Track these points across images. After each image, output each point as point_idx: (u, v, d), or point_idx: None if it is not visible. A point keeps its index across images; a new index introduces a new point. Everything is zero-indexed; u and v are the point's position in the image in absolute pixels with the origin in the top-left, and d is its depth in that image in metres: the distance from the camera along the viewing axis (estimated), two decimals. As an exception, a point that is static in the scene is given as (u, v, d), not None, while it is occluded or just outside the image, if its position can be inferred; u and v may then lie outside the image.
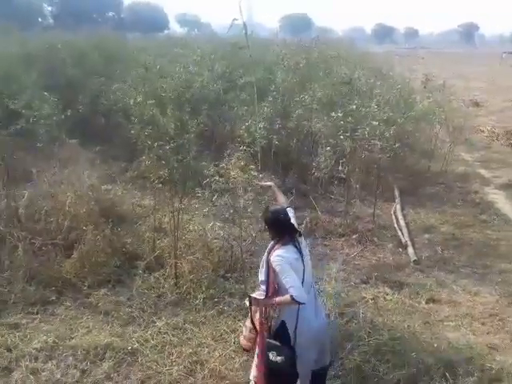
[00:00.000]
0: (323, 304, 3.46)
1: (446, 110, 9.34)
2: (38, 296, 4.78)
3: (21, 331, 4.31)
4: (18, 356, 3.96)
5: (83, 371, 3.84)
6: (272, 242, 3.23)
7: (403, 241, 6.29)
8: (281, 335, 3.14)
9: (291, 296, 2.95)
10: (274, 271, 3.07)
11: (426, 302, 4.94)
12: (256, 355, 3.31)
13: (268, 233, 3.33)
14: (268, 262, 3.13)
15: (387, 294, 5.03)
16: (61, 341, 4.16)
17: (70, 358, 3.95)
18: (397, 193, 7.95)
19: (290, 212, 3.37)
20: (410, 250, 6.05)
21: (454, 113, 9.57)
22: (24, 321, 4.47)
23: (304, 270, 3.13)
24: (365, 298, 4.93)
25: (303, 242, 3.27)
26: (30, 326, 4.40)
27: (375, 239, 6.35)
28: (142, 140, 5.24)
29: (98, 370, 3.85)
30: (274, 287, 3.13)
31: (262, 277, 3.22)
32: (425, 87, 12.25)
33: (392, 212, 7.27)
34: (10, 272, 4.95)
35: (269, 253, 3.16)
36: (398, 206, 7.45)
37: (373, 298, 4.92)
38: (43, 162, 6.77)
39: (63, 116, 7.09)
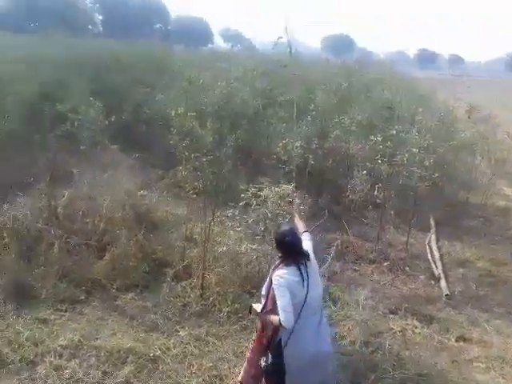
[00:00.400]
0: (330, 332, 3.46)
1: (489, 142, 9.09)
2: (68, 294, 4.90)
3: (48, 327, 4.42)
4: (43, 351, 4.06)
5: (105, 373, 3.89)
6: (278, 261, 3.31)
7: (436, 273, 6.11)
8: (276, 350, 3.22)
9: (279, 319, 3.06)
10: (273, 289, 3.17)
11: (456, 340, 4.76)
12: (246, 359, 3.56)
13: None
14: (270, 278, 3.24)
15: (416, 327, 4.87)
16: (86, 340, 4.24)
17: (93, 359, 4.02)
18: (432, 223, 7.75)
19: (307, 236, 3.52)
20: (443, 283, 5.86)
21: (497, 145, 9.30)
22: (52, 317, 4.59)
23: (306, 294, 3.15)
24: (392, 329, 4.80)
25: (312, 267, 3.28)
26: (58, 323, 4.50)
27: (407, 269, 6.19)
28: (180, 151, 5.35)
29: (118, 373, 3.90)
30: (273, 303, 3.20)
31: (263, 291, 3.33)
32: (469, 117, 11.99)
33: (426, 242, 7.08)
34: (43, 268, 5.09)
35: (273, 270, 3.25)
36: (433, 237, 7.25)
37: (401, 330, 4.78)
38: (84, 164, 6.98)
39: (107, 122, 7.34)
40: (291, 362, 3.17)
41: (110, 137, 7.74)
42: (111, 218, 5.77)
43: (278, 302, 3.08)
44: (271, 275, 3.23)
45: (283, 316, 3.03)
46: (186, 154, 5.28)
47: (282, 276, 3.12)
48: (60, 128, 6.69)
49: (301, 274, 3.15)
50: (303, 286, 3.15)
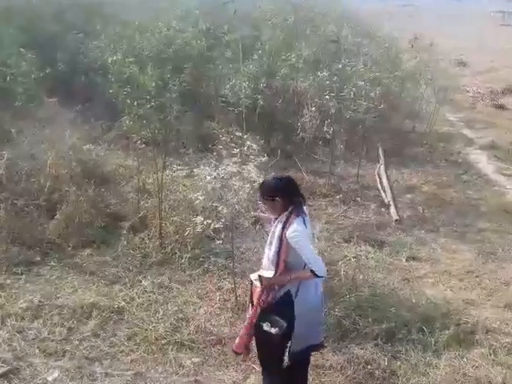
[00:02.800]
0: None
1: (433, 70, 9.28)
2: (22, 257, 4.77)
3: (6, 291, 4.31)
4: (3, 315, 3.98)
5: (70, 329, 3.88)
6: (284, 215, 2.89)
7: (386, 201, 6.39)
8: (283, 304, 2.92)
9: (312, 271, 2.80)
10: (290, 247, 2.84)
11: (406, 260, 5.09)
12: (244, 326, 3.11)
13: (270, 206, 2.96)
14: (281, 237, 2.85)
15: (369, 253, 5.15)
16: (47, 300, 4.18)
17: (57, 317, 3.99)
18: (381, 153, 7.99)
19: None
20: (392, 209, 6.16)
21: (440, 73, 9.52)
22: (9, 281, 4.47)
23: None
24: (347, 256, 5.04)
25: (306, 212, 3.02)
26: (15, 287, 4.40)
27: (358, 199, 6.43)
28: (122, 99, 5.12)
29: (84, 327, 3.91)
30: (284, 264, 2.89)
31: (270, 254, 2.93)
32: (412, 46, 12.08)
33: (376, 172, 7.33)
34: (-8, 233, 4.91)
35: (283, 228, 2.84)
36: (382, 167, 7.51)
37: (355, 257, 5.03)
38: (22, 121, 6.59)
39: (41, 74, 6.88)
40: (301, 313, 2.91)
41: (47, 90, 7.30)
42: (58, 176, 5.56)
43: (307, 256, 2.81)
44: (280, 234, 2.85)
45: (317, 265, 2.80)
46: (129, 102, 5.06)
47: (299, 230, 2.82)
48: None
49: (304, 222, 2.90)
50: (312, 235, 3.03)
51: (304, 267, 2.87)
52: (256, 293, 3.02)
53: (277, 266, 2.89)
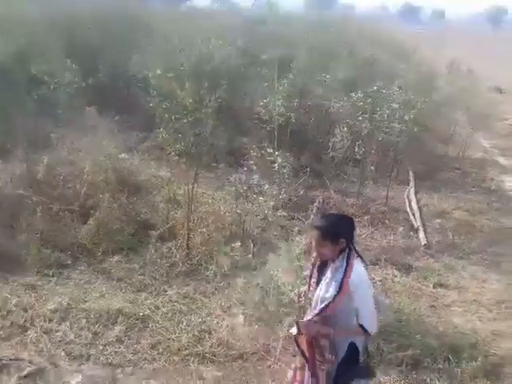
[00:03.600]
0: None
1: (469, 96, 9.17)
2: (54, 259, 4.91)
3: (36, 292, 4.44)
4: (33, 316, 4.09)
5: (95, 333, 3.97)
6: (342, 258, 2.62)
7: (415, 225, 6.29)
8: (350, 358, 2.72)
9: (362, 326, 2.61)
10: (351, 294, 2.57)
11: (434, 287, 4.98)
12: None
13: (330, 248, 2.63)
14: (342, 282, 2.56)
15: (395, 276, 5.07)
16: (75, 303, 4.29)
17: (83, 321, 4.08)
18: (411, 176, 7.90)
19: None
20: (421, 234, 6.06)
21: (477, 99, 9.39)
22: (40, 282, 4.61)
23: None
24: (373, 279, 4.97)
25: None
26: (46, 288, 4.53)
27: (387, 222, 6.36)
28: (160, 113, 5.28)
29: (109, 333, 3.98)
30: (333, 311, 2.61)
31: (326, 294, 2.62)
32: (449, 71, 12.01)
33: (405, 195, 7.25)
34: (27, 235, 5.07)
35: (346, 271, 2.57)
36: (412, 190, 7.42)
37: (381, 280, 4.97)
38: (63, 128, 6.85)
39: (84, 84, 7.14)
40: None
41: (88, 100, 7.56)
42: (93, 183, 5.73)
43: (365, 306, 2.60)
44: (342, 278, 2.56)
45: (371, 320, 2.63)
46: (166, 116, 5.21)
47: (363, 276, 2.62)
48: (36, 92, 6.49)
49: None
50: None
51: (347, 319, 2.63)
52: (302, 342, 2.71)
53: (326, 309, 2.61)
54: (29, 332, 3.94)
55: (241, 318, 4.24)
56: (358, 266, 2.61)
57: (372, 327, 2.63)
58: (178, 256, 5.09)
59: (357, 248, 2.68)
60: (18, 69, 7.57)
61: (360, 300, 2.59)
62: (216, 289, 4.69)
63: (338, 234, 2.61)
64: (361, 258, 2.70)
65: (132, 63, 8.82)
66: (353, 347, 2.69)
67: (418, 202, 7.04)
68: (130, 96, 8.90)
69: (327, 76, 8.15)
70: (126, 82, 9.20)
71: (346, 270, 2.57)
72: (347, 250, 2.61)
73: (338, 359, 2.70)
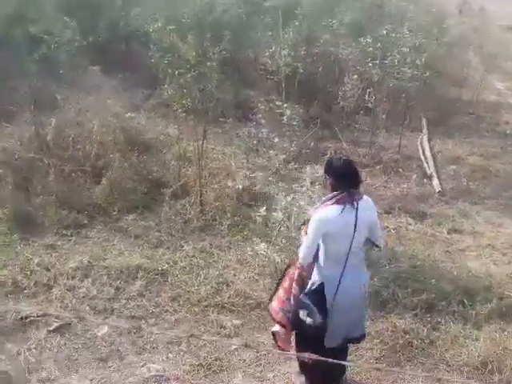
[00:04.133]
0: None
1: (481, 36, 8.82)
2: (71, 220, 4.97)
3: (57, 252, 4.55)
4: (56, 274, 4.21)
5: (117, 288, 4.08)
6: (329, 196, 2.82)
7: (428, 172, 6.24)
8: (317, 297, 2.86)
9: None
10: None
11: (448, 233, 5.01)
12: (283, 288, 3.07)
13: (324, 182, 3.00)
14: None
15: (409, 224, 5.09)
16: (95, 261, 4.39)
17: (105, 277, 4.19)
18: (424, 123, 7.75)
19: None
20: (435, 180, 6.02)
21: (489, 39, 9.04)
22: (59, 242, 4.70)
23: (352, 239, 2.77)
24: (387, 227, 4.99)
25: (364, 209, 2.80)
26: (65, 248, 4.63)
27: (400, 170, 6.32)
28: (163, 68, 5.16)
29: (131, 287, 4.10)
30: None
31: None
32: (460, 11, 11.50)
33: (418, 143, 7.14)
34: (42, 197, 5.13)
35: (316, 208, 2.89)
36: (425, 137, 7.30)
37: (395, 228, 4.99)
38: (67, 89, 6.75)
39: (85, 42, 6.97)
40: (337, 309, 2.84)
41: (90, 58, 7.40)
42: (102, 143, 5.71)
43: (304, 240, 2.84)
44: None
45: (300, 252, 2.85)
46: (170, 71, 5.10)
47: (319, 219, 2.77)
48: (37, 52, 6.35)
49: (353, 211, 2.74)
50: (353, 228, 2.75)
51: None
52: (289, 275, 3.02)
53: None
54: (53, 290, 4.06)
55: (256, 271, 4.33)
56: (326, 209, 2.76)
57: (301, 259, 2.85)
58: (192, 212, 5.13)
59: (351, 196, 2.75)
60: (17, 29, 7.40)
61: (308, 232, 2.82)
62: (230, 243, 4.76)
63: (325, 170, 2.89)
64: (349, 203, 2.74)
65: (132, 18, 8.56)
66: (321, 286, 2.85)
67: (431, 148, 6.95)
68: (132, 53, 8.69)
69: (334, 21, 7.85)
70: (127, 38, 8.96)
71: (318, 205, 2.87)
72: (340, 193, 2.75)
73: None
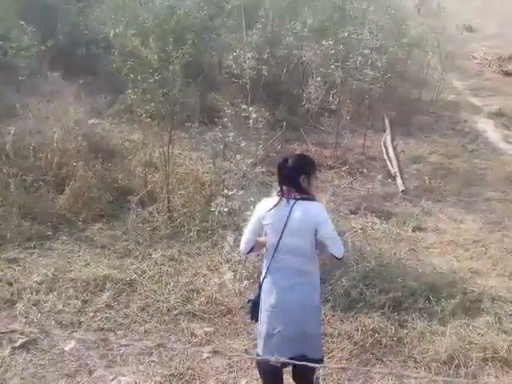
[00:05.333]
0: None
1: (439, 36, 9.11)
2: (34, 231, 4.83)
3: (20, 265, 4.39)
4: (19, 289, 4.06)
5: (84, 301, 3.98)
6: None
7: (392, 171, 6.39)
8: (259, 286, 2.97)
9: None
10: None
11: (413, 231, 5.14)
12: None
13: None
14: None
15: (375, 224, 5.19)
16: (60, 273, 4.26)
17: (71, 290, 4.07)
18: (387, 123, 7.94)
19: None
20: (399, 180, 6.17)
21: (447, 39, 9.34)
22: (22, 255, 4.54)
23: (281, 234, 2.74)
24: (354, 227, 5.08)
25: (306, 213, 2.74)
26: (29, 261, 4.48)
27: (365, 170, 6.45)
28: (125, 73, 5.08)
29: (98, 299, 4.00)
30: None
31: None
32: (419, 11, 11.81)
33: (382, 143, 7.31)
34: (3, 208, 4.96)
35: None
36: (388, 137, 7.48)
37: (361, 228, 5.08)
38: (26, 96, 6.56)
39: (43, 47, 6.79)
40: (262, 303, 2.87)
41: (50, 63, 7.22)
42: (65, 151, 5.57)
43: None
44: None
45: (241, 245, 2.91)
46: (132, 76, 5.02)
47: (262, 201, 2.87)
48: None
49: (287, 208, 2.74)
50: (284, 223, 2.74)
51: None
52: None
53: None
54: (17, 305, 3.92)
55: (229, 275, 4.31)
56: (268, 198, 2.90)
57: (240, 245, 2.92)
58: (159, 219, 5.07)
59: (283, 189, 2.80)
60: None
61: None
62: (200, 249, 4.73)
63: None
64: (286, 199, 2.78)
65: (91, 22, 8.39)
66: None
67: (394, 148, 7.13)
68: (92, 57, 8.51)
69: (297, 24, 7.94)
70: (87, 42, 8.77)
71: None
72: (280, 187, 2.82)
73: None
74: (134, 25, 6.38)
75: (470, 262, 4.65)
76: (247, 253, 2.99)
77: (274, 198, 2.82)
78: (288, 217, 2.73)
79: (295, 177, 2.78)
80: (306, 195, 2.79)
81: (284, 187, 2.78)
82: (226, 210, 4.83)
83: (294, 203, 2.74)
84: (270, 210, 2.76)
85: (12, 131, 5.61)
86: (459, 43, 10.11)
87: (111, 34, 5.55)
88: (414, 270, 4.44)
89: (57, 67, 7.13)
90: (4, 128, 5.78)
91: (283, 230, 2.74)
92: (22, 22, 6.77)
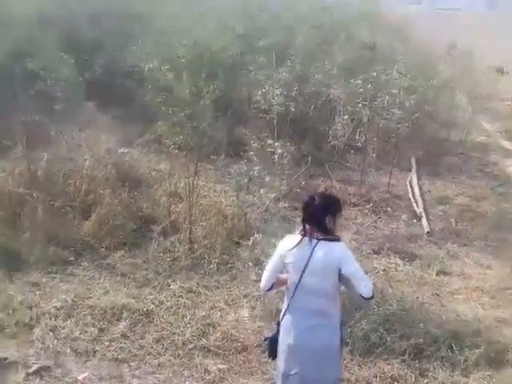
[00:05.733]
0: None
1: (470, 78, 9.08)
2: (57, 256, 4.92)
3: (41, 290, 4.47)
4: (38, 313, 4.12)
5: (101, 329, 3.99)
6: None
7: (417, 212, 6.28)
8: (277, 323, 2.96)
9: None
10: None
11: (437, 274, 4.99)
12: None
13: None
14: None
15: (398, 265, 5.08)
16: (79, 300, 4.31)
17: (89, 317, 4.11)
18: (414, 162, 7.86)
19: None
20: (424, 221, 6.05)
21: (477, 80, 9.30)
22: (44, 280, 4.63)
23: (302, 273, 2.71)
24: (376, 268, 4.98)
25: (329, 254, 2.71)
26: (50, 285, 4.56)
27: (389, 209, 6.35)
28: (157, 106, 5.24)
29: (115, 329, 4.01)
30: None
31: None
32: (449, 53, 11.85)
33: (408, 182, 7.22)
34: (30, 232, 5.08)
35: None
36: (414, 176, 7.39)
37: (384, 269, 4.97)
38: (61, 124, 6.82)
39: (81, 78, 7.10)
40: (281, 342, 2.84)
41: (86, 94, 7.52)
42: (93, 178, 5.72)
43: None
44: None
45: (263, 276, 2.86)
46: (164, 108, 5.18)
47: (285, 239, 2.84)
48: (33, 87, 6.45)
49: (309, 248, 2.71)
50: (305, 263, 2.71)
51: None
52: None
53: None
54: (34, 330, 3.96)
55: (245, 312, 4.27)
56: (290, 236, 2.84)
57: (261, 283, 2.87)
58: (180, 250, 5.10)
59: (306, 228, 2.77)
60: (15, 65, 7.53)
61: None
62: (219, 282, 4.71)
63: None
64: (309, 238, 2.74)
65: (128, 56, 8.75)
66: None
67: (420, 188, 7.02)
68: (127, 89, 8.83)
69: (326, 62, 8.06)
70: (123, 75, 9.12)
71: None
72: (304, 225, 2.78)
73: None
74: (167, 60, 6.61)
75: (496, 310, 4.47)
76: (267, 290, 2.93)
77: (296, 236, 2.79)
78: (309, 257, 2.70)
79: (321, 217, 2.75)
80: (330, 236, 2.76)
81: (307, 226, 2.76)
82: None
83: (317, 243, 2.71)
84: (293, 248, 2.74)
85: (45, 157, 5.83)
86: (490, 85, 10.02)
87: (146, 69, 5.76)
88: (437, 315, 4.29)
89: (92, 97, 7.41)
90: (38, 154, 6.01)
91: (304, 269, 2.71)
92: (62, 54, 7.11)
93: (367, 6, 15.17)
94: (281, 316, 2.89)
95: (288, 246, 2.77)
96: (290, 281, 2.80)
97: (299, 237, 2.76)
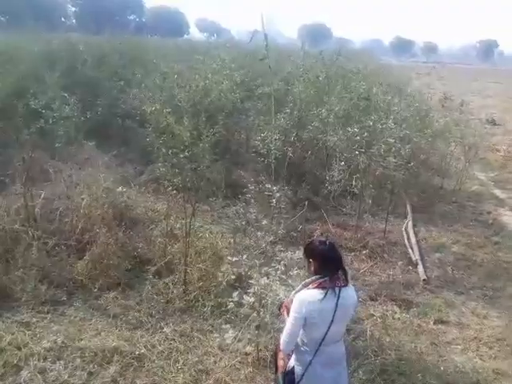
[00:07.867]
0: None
1: (462, 129, 9.31)
2: (49, 295, 4.85)
3: (31, 330, 4.37)
4: (27, 354, 4.02)
5: (90, 373, 3.88)
6: (312, 278, 2.83)
7: (413, 259, 6.27)
8: (288, 378, 2.93)
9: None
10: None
11: (434, 323, 4.92)
12: None
13: (308, 265, 2.90)
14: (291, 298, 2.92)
15: (395, 313, 5.01)
16: (69, 341, 4.21)
17: (78, 360, 4.00)
18: (409, 209, 7.92)
19: None
20: (420, 268, 6.02)
21: (470, 131, 9.53)
22: (34, 319, 4.54)
23: (330, 325, 2.72)
24: (373, 315, 4.92)
25: (347, 297, 2.76)
26: (40, 325, 4.46)
27: (385, 256, 6.33)
28: (158, 147, 5.33)
29: (104, 373, 3.90)
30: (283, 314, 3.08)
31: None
32: (443, 106, 12.24)
33: (403, 229, 7.24)
34: (23, 270, 5.01)
35: (300, 289, 2.84)
36: (410, 223, 7.42)
37: (381, 316, 4.90)
38: (61, 162, 6.88)
39: (82, 118, 7.23)
40: None
41: (86, 133, 7.64)
42: (90, 217, 5.71)
43: (287, 323, 2.78)
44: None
45: (282, 338, 2.80)
46: (164, 150, 5.26)
47: (300, 301, 2.73)
48: (34, 125, 6.55)
49: (334, 298, 2.70)
50: (332, 314, 2.70)
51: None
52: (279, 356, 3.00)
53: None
54: (22, 371, 3.86)
55: (240, 358, 4.16)
56: (309, 292, 2.72)
57: (283, 345, 2.80)
58: (174, 292, 5.03)
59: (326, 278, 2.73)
60: (17, 103, 7.70)
61: (290, 316, 2.77)
62: (213, 326, 4.62)
63: (309, 253, 2.84)
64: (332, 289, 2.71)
65: (130, 97, 8.97)
66: (292, 372, 2.86)
67: (416, 235, 7.03)
68: (127, 130, 9.00)
69: (323, 110, 8.27)
70: (123, 116, 9.32)
71: (302, 286, 2.80)
72: (322, 277, 2.72)
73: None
74: (169, 103, 6.77)
75: (494, 361, 4.38)
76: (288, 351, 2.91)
77: (314, 291, 2.72)
78: (336, 307, 2.70)
79: (342, 261, 2.80)
80: (347, 280, 2.80)
81: (327, 274, 2.72)
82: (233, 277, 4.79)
83: (339, 291, 2.71)
84: (318, 305, 2.70)
85: (42, 195, 5.84)
86: (482, 136, 10.25)
87: (148, 111, 5.88)
88: (435, 366, 4.21)
89: (92, 137, 7.52)
90: (36, 191, 6.02)
91: (331, 322, 2.70)
92: (65, 94, 7.28)
93: (365, 58, 15.80)
94: (297, 371, 2.84)
95: (313, 305, 2.70)
96: (313, 335, 2.76)
97: (321, 291, 2.70)
